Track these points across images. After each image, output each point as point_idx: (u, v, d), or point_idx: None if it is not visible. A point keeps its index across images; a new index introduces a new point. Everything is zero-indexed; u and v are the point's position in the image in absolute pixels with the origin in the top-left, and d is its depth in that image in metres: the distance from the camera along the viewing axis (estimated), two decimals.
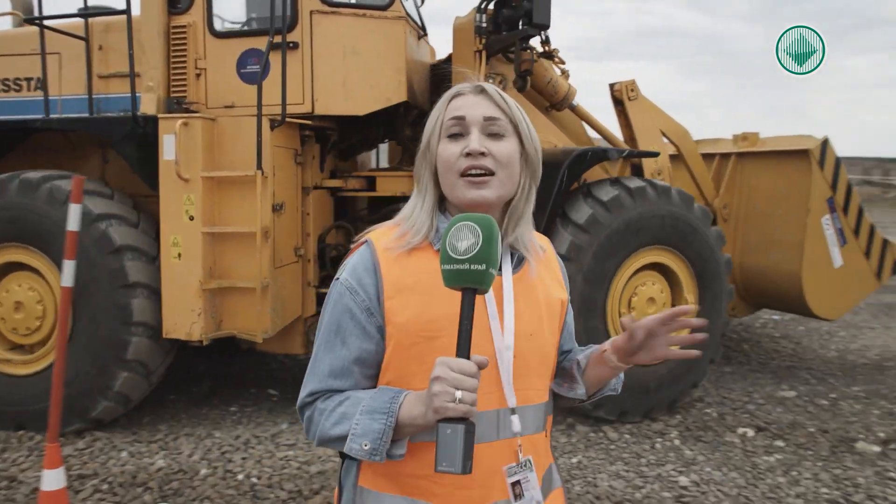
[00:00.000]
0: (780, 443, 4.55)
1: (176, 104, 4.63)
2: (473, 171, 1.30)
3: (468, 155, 1.30)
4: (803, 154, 5.66)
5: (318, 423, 1.32)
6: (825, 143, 5.62)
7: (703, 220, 4.97)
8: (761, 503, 3.76)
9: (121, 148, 4.60)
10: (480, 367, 1.16)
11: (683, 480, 3.99)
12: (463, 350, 1.16)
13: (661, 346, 1.36)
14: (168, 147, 4.33)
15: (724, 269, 5.09)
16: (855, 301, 6.15)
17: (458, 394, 1.12)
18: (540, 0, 4.54)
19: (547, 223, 4.63)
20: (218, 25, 4.88)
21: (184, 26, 4.77)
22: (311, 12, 4.70)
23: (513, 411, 1.33)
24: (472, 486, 1.30)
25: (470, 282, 1.16)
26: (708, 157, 6.43)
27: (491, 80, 4.89)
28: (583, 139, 5.77)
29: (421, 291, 1.30)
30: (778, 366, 6.36)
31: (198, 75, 4.80)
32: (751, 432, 4.70)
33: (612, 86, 5.74)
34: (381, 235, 1.37)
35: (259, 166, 4.35)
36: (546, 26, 4.65)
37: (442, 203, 1.40)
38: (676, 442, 4.55)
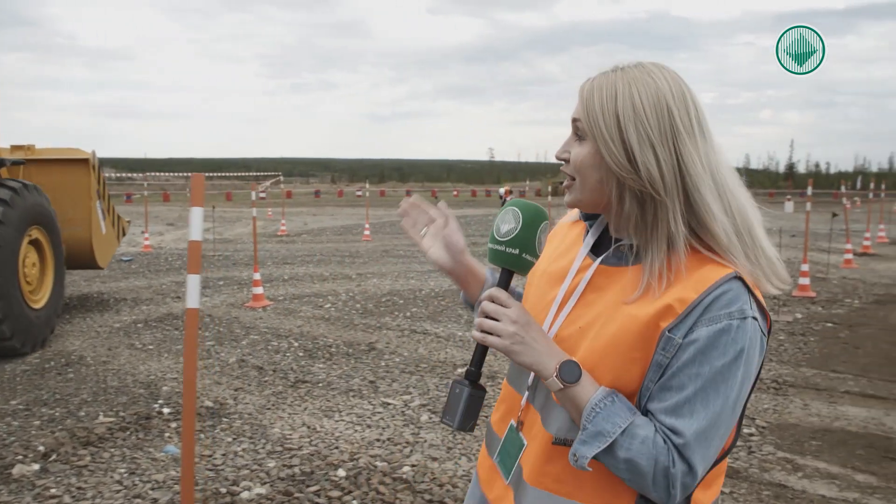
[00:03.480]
0: None
1: None
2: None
3: None
4: (85, 162, 8.31)
5: None
6: (94, 154, 8.43)
7: None
8: None
9: None
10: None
11: None
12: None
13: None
14: None
15: None
16: (112, 253, 9.31)
17: (487, 323, 1.20)
18: None
19: None
20: None
21: None
22: None
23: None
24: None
25: (505, 263, 1.26)
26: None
27: None
28: None
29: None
30: None
31: None
32: None
33: None
34: None
35: None
36: None
37: None
38: None
